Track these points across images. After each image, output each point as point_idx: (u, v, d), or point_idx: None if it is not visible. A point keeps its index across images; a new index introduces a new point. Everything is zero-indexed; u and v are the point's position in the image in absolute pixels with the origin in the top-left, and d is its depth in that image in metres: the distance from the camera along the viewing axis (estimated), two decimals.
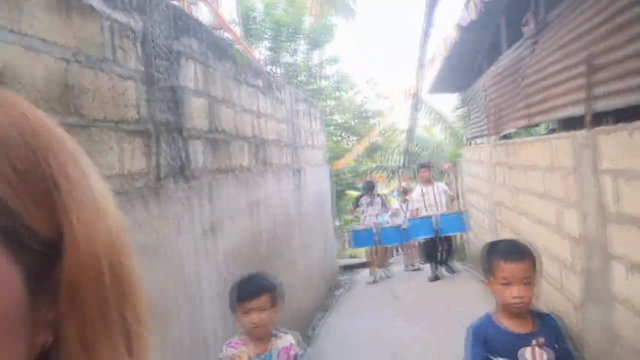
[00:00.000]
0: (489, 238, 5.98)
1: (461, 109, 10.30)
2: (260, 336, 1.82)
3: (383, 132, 10.86)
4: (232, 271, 2.89)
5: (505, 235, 5.12)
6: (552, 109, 3.45)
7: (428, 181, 6.85)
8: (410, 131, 9.50)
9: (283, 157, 4.68)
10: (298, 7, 9.50)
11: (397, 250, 9.94)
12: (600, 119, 2.72)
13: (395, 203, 8.41)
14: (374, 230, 6.89)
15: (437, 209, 6.56)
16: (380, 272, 7.06)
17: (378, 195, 7.73)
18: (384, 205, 7.62)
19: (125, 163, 1.84)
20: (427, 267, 7.34)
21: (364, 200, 7.45)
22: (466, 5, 4.63)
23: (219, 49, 3.03)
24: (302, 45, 9.20)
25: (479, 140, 7.23)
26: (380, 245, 7.01)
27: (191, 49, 2.57)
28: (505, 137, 5.38)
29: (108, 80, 1.78)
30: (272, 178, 4.17)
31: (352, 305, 5.78)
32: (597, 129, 2.63)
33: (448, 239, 6.65)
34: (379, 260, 7.19)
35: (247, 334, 1.84)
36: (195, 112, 2.57)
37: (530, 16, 4.25)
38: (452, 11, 6.48)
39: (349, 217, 11.37)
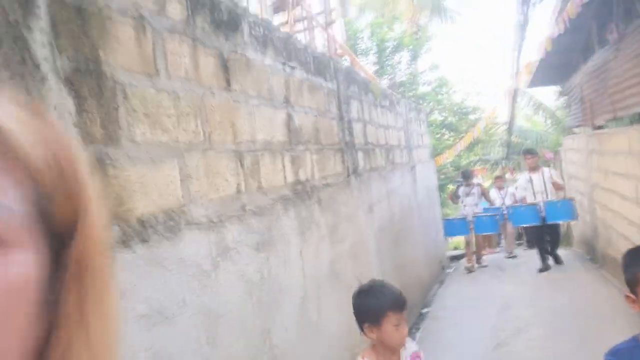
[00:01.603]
0: (589, 219, 6.63)
1: (563, 98, 10.63)
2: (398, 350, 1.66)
3: (487, 127, 11.57)
4: (381, 237, 4.26)
5: (600, 213, 5.82)
6: (629, 106, 4.27)
7: (535, 168, 6.61)
8: (510, 124, 10.12)
9: (402, 157, 5.94)
10: (392, 17, 10.66)
11: (500, 242, 10.29)
12: None
13: (492, 191, 8.57)
14: (469, 219, 6.95)
15: (546, 196, 6.35)
16: (475, 263, 7.13)
17: (477, 184, 7.69)
18: (483, 194, 7.57)
19: (336, 167, 3.27)
20: (524, 254, 7.91)
21: (462, 191, 7.48)
22: (556, 21, 5.48)
23: (365, 87, 4.42)
24: (404, 57, 10.40)
25: (577, 130, 7.78)
26: (475, 234, 7.04)
27: (354, 92, 3.97)
28: (599, 127, 6.05)
29: (327, 122, 3.22)
30: (397, 174, 5.47)
31: (462, 279, 6.83)
32: None
33: (555, 228, 6.44)
34: (478, 249, 7.26)
35: (377, 348, 1.65)
36: (357, 132, 3.96)
37: (613, 26, 5.01)
38: (546, 12, 7.20)
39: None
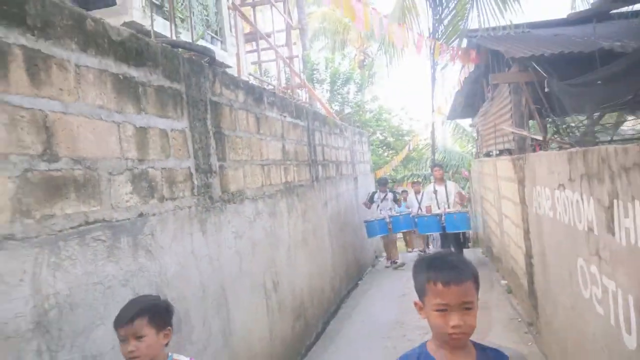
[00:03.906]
0: (481, 223, 9.06)
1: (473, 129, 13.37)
2: None
3: (415, 147, 14.03)
4: (331, 224, 6.28)
5: (486, 217, 8.21)
6: (491, 145, 6.62)
7: (441, 179, 7.48)
8: (433, 147, 12.61)
9: (348, 170, 8.03)
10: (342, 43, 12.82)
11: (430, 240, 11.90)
12: (501, 152, 5.92)
13: (410, 195, 9.76)
14: (387, 220, 7.73)
15: (447, 206, 7.38)
16: (394, 260, 8.25)
17: (391, 191, 8.59)
18: (395, 200, 8.39)
19: (306, 175, 5.26)
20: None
21: (378, 195, 8.30)
22: (458, 80, 7.86)
23: (324, 120, 6.46)
24: (352, 88, 12.67)
25: (478, 156, 10.32)
26: (393, 233, 7.91)
27: (317, 126, 6.00)
28: (487, 155, 8.49)
29: (301, 147, 5.20)
30: (344, 182, 7.54)
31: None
32: (498, 157, 5.83)
33: (455, 235, 7.30)
34: (394, 250, 8.29)
35: None
36: (319, 153, 5.98)
37: (489, 87, 7.43)
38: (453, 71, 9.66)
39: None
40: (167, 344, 1.67)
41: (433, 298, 1.24)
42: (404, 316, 5.11)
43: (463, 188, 11.40)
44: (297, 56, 11.14)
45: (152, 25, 3.32)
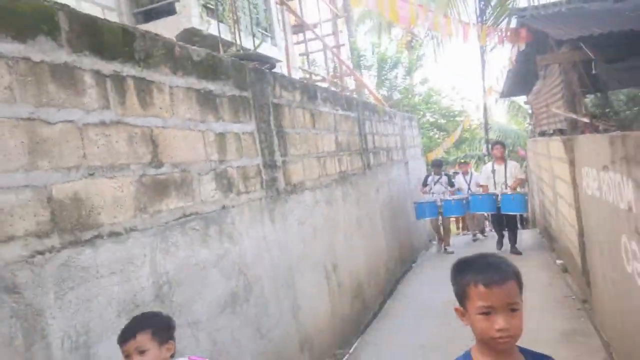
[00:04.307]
0: (538, 203, 8.94)
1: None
2: None
3: (467, 128, 13.86)
4: (384, 209, 6.56)
5: (541, 197, 8.12)
6: (544, 124, 6.56)
7: (501, 158, 6.98)
8: (485, 127, 12.41)
9: (398, 155, 8.23)
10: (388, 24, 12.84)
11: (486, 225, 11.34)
12: (554, 132, 5.90)
13: (458, 177, 9.20)
14: (438, 203, 7.55)
15: (505, 187, 6.88)
16: (445, 247, 8.11)
17: (445, 174, 8.27)
18: (451, 184, 8.08)
19: (358, 163, 5.56)
20: (490, 234, 9.97)
21: (432, 178, 8.06)
22: (509, 60, 7.77)
23: (373, 109, 6.70)
24: (400, 72, 12.69)
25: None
26: (443, 217, 7.76)
27: (366, 115, 6.26)
28: (541, 133, 8.35)
29: (353, 137, 5.50)
30: (395, 167, 7.76)
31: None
32: (550, 137, 5.81)
33: (512, 218, 6.87)
34: (445, 235, 8.13)
35: None
36: (369, 141, 6.25)
37: (542, 66, 7.30)
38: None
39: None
40: (172, 356, 1.69)
41: (476, 301, 1.19)
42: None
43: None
44: (343, 45, 11.34)
45: (219, 39, 3.73)
